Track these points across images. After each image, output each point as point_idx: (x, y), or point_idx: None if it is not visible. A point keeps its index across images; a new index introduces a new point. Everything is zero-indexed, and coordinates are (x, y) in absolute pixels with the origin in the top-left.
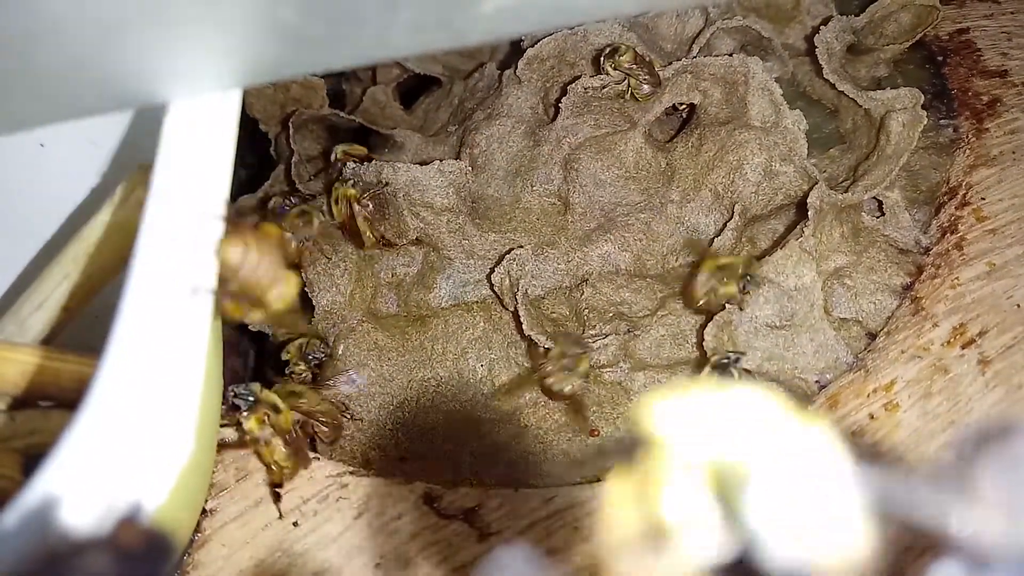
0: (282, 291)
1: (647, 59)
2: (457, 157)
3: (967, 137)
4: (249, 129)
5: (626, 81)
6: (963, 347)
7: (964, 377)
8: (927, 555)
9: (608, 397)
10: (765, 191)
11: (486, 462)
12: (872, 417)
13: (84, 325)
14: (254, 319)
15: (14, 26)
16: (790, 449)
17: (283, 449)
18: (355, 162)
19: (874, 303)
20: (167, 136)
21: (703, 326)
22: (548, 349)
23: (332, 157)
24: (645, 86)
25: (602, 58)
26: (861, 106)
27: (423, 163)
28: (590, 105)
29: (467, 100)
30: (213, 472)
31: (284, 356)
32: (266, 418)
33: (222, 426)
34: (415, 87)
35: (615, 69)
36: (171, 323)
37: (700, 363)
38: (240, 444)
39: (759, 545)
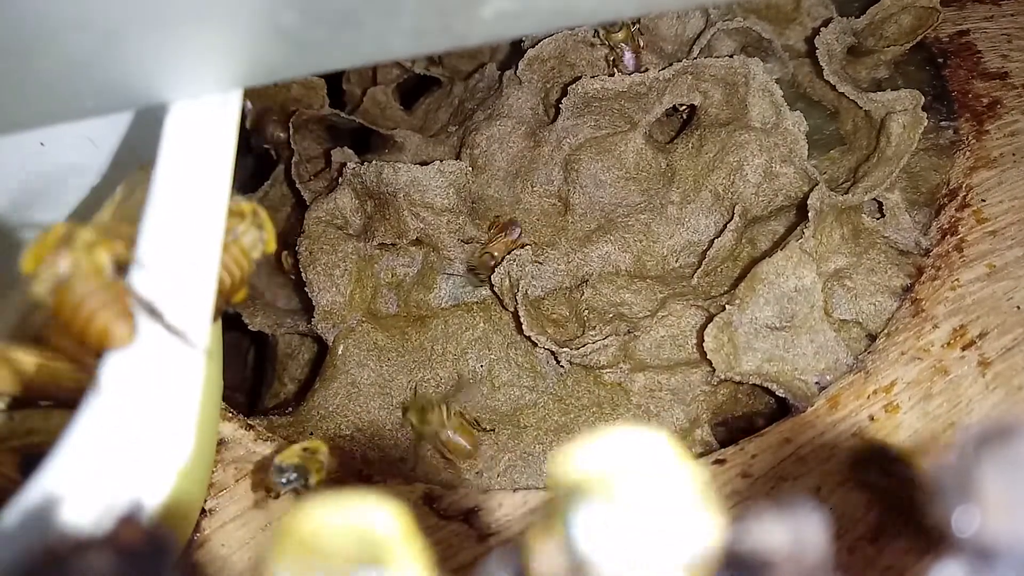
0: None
1: (640, 45)
2: (457, 157)
3: (967, 139)
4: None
5: (610, 53)
6: (963, 349)
7: (964, 379)
8: (930, 555)
9: (608, 398)
10: (765, 192)
11: (486, 462)
12: (872, 419)
13: None
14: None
15: (16, 27)
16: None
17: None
18: None
19: (874, 304)
20: (168, 136)
21: (703, 327)
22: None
23: None
24: (627, 62)
25: (601, 28)
26: (861, 108)
27: (423, 163)
28: (590, 106)
29: (467, 101)
30: (212, 472)
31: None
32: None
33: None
34: (415, 87)
35: (605, 40)
36: (171, 323)
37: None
38: None
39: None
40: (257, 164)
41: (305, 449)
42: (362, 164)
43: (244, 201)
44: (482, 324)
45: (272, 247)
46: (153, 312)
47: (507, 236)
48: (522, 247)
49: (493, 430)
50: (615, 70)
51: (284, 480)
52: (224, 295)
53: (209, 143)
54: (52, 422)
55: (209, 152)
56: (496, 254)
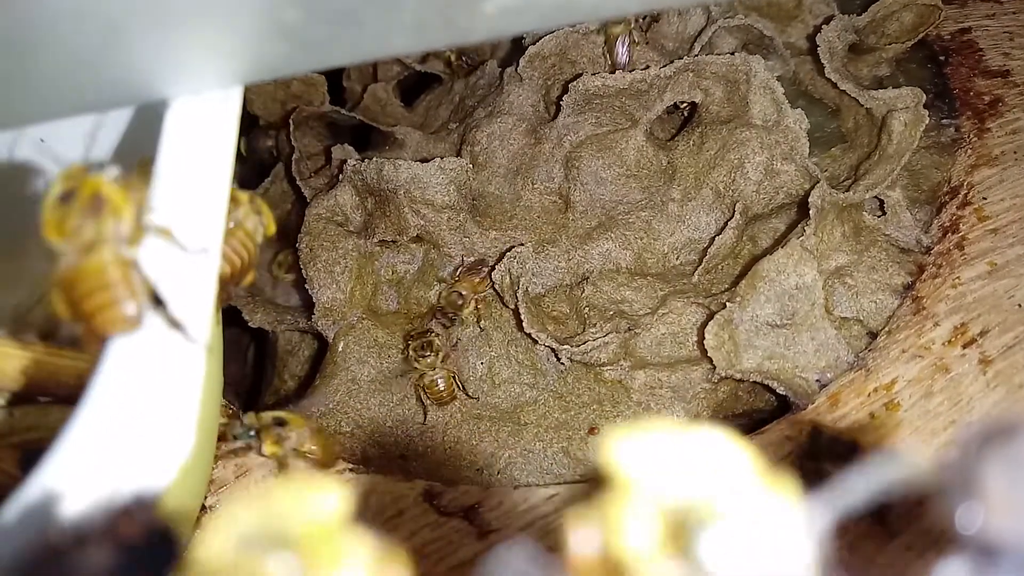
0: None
1: (635, 39)
2: (458, 154)
3: (969, 137)
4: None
5: (606, 41)
6: (964, 346)
7: (965, 376)
8: (933, 553)
9: (608, 395)
10: (766, 190)
11: (486, 459)
12: (873, 416)
13: None
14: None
15: (17, 23)
16: (753, 499)
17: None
18: None
19: (875, 302)
20: (168, 132)
21: (704, 325)
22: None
23: None
24: (620, 56)
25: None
26: (863, 105)
27: (424, 160)
28: (591, 103)
29: (468, 98)
30: (213, 468)
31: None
32: (279, 437)
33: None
34: (416, 84)
35: (603, 29)
36: (173, 315)
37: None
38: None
39: None
40: (258, 161)
41: (278, 419)
42: (362, 161)
43: (240, 192)
44: (482, 321)
45: (272, 230)
46: (157, 300)
47: (475, 276)
48: (520, 246)
49: (477, 399)
50: (613, 64)
51: (238, 433)
52: (234, 279)
53: (210, 139)
54: (52, 418)
55: (210, 148)
56: (464, 292)
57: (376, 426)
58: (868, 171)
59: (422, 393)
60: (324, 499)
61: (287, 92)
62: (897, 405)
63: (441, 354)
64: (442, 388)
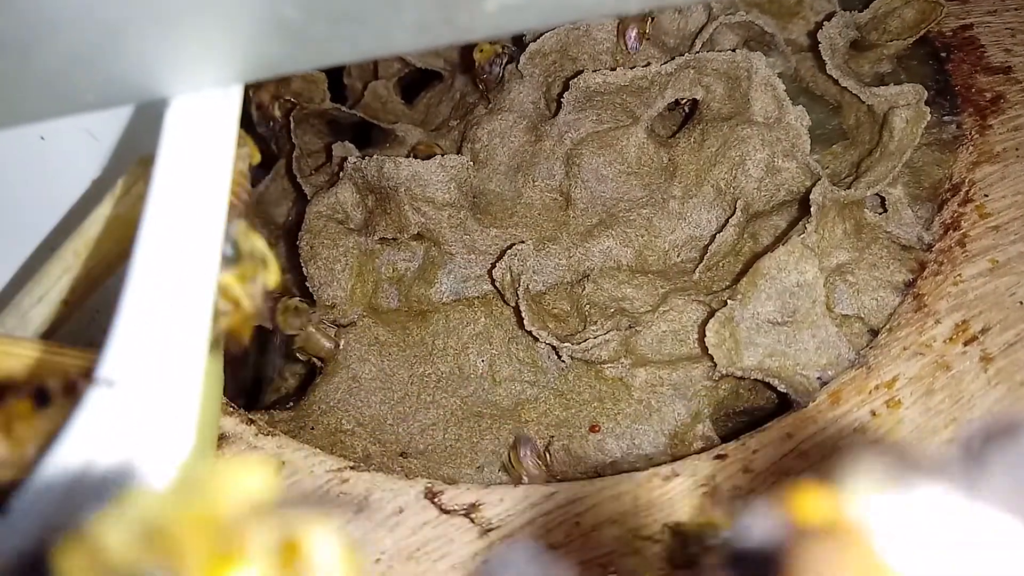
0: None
1: (647, 31)
2: (459, 152)
3: (970, 134)
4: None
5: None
6: (965, 344)
7: (966, 374)
8: None
9: (609, 393)
10: (767, 187)
11: (487, 457)
12: (874, 414)
13: (85, 319)
14: None
15: (16, 22)
16: None
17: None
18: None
19: (876, 299)
20: (168, 131)
21: (704, 322)
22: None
23: None
24: (630, 42)
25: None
26: (864, 102)
27: (425, 158)
28: (592, 100)
29: (468, 95)
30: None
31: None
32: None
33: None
34: (416, 81)
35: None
36: (172, 317)
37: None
38: None
39: None
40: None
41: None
42: (363, 158)
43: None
44: (483, 319)
45: (257, 158)
46: None
47: (518, 451)
48: (522, 243)
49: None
50: (617, 56)
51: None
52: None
53: (210, 137)
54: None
55: (210, 146)
56: (533, 465)
57: (377, 424)
58: (869, 168)
59: (310, 351)
60: (249, 482)
61: (288, 89)
62: (898, 403)
63: (309, 313)
64: (325, 342)
